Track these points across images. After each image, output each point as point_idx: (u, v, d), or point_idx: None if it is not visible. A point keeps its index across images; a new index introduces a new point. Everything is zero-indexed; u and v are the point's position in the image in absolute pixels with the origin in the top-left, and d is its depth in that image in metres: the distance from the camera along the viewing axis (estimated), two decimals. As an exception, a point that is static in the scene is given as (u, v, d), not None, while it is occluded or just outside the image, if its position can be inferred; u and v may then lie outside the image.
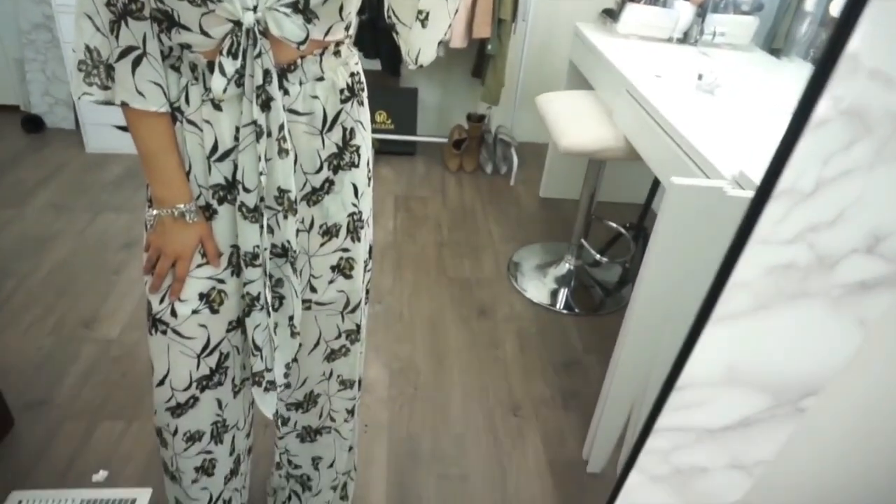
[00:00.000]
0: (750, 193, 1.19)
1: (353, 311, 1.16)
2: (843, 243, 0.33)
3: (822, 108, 0.26)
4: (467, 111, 3.32)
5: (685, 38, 2.41)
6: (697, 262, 1.31)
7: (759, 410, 0.42)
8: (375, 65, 3.09)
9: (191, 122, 0.92)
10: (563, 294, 2.38)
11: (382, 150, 3.26)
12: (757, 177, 1.28)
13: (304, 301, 1.11)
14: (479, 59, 3.16)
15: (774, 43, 2.43)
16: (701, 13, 2.38)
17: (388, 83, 3.25)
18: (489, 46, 2.93)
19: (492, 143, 3.29)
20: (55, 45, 3.06)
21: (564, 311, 2.29)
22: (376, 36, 2.93)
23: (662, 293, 1.39)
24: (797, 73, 2.20)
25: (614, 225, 2.57)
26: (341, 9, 0.90)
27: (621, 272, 2.54)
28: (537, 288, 2.38)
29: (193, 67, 0.90)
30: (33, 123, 3.25)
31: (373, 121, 3.19)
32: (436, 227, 2.74)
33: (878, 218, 0.32)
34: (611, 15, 2.55)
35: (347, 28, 0.95)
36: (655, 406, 0.40)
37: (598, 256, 2.42)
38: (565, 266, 2.47)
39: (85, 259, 2.31)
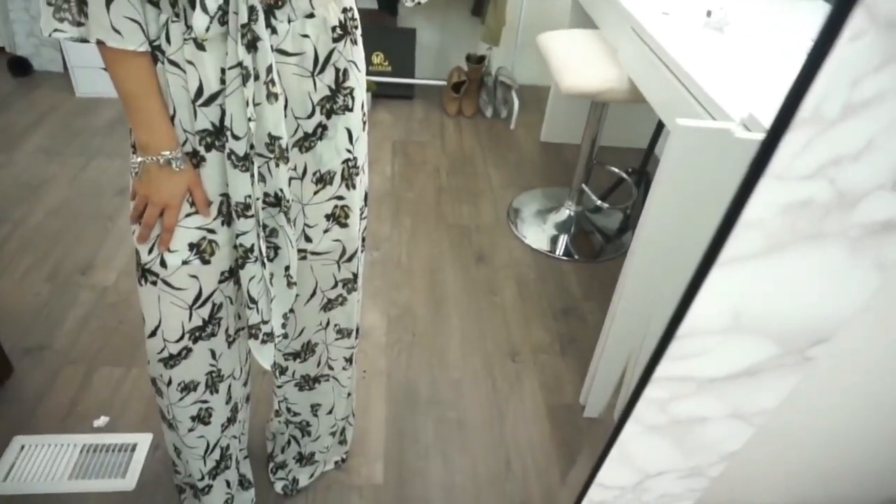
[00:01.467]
0: (759, 135, 1.15)
1: (350, 259, 1.13)
2: (867, 178, 0.30)
3: (857, 18, 0.22)
4: (467, 52, 3.22)
5: (695, -27, 2.30)
6: (701, 208, 1.28)
7: (765, 359, 0.39)
8: (371, 3, 2.97)
9: (173, 63, 0.87)
10: (562, 240, 2.35)
11: (379, 93, 3.17)
12: (767, 120, 1.23)
13: (299, 251, 1.08)
14: (479, -3, 3.05)
15: (788, -22, 2.32)
16: (712, -54, 2.26)
17: (385, 23, 3.14)
18: (490, -17, 2.82)
19: (492, 86, 3.20)
20: (38, -18, 2.94)
21: (564, 258, 2.27)
22: (372, -28, 2.81)
23: (663, 239, 1.36)
24: (813, 11, 2.11)
25: (616, 170, 2.52)
26: (331, -65, 0.84)
27: (622, 218, 2.50)
28: (537, 234, 2.36)
29: (174, 2, 0.84)
30: (20, 66, 3.15)
31: (369, 63, 3.10)
32: (434, 173, 2.69)
33: (908, 150, 0.29)
34: (617, -52, 2.43)
35: (338, -41, 0.89)
36: (654, 355, 0.38)
37: (598, 202, 2.38)
38: (565, 212, 2.43)
39: (79, 205, 2.28)
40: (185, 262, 0.97)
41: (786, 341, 0.39)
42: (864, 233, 0.32)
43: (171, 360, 1.05)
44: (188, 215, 0.96)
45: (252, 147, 0.91)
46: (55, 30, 0.84)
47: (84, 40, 0.86)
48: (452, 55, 3.34)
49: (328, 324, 1.21)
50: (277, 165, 0.95)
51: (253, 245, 0.99)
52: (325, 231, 1.08)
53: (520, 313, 2.01)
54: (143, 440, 1.51)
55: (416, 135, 2.98)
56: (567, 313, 2.03)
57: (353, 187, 1.06)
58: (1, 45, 3.28)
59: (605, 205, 2.45)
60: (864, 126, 0.27)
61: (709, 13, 1.81)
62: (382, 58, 3.13)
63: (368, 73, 1.04)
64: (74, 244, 2.09)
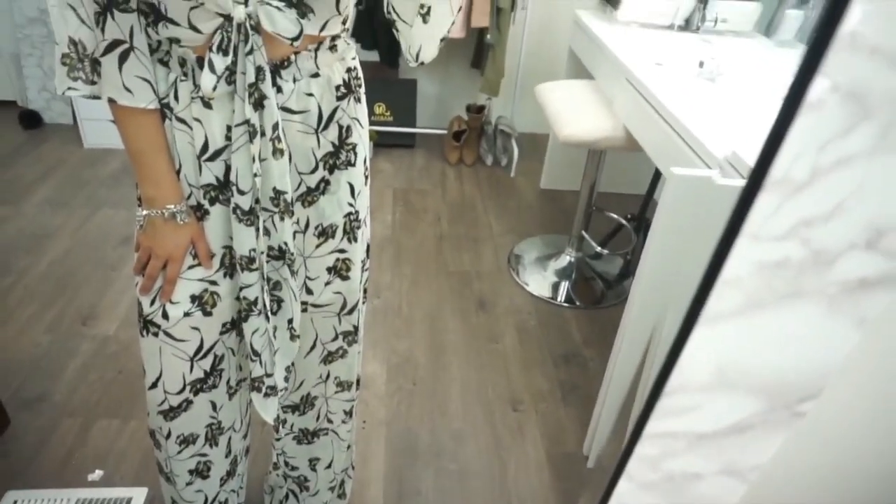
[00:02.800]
0: (740, 182, 1.17)
1: (351, 312, 1.14)
2: (840, 238, 0.31)
3: (817, 88, 0.23)
4: (467, 102, 3.29)
5: (687, 26, 2.37)
6: (698, 255, 1.29)
7: (753, 415, 0.39)
8: (374, 56, 3.06)
9: (180, 120, 0.90)
10: (564, 287, 2.35)
11: (381, 142, 3.23)
12: (751, 160, 1.25)
13: (300, 303, 1.08)
14: (478, 50, 3.13)
15: (777, 29, 2.39)
16: (702, 0, 2.34)
17: (387, 74, 3.22)
18: (488, 36, 2.90)
19: (492, 135, 3.26)
20: (51, 39, 3.03)
21: (565, 304, 2.27)
22: (374, 27, 2.90)
23: (662, 286, 1.37)
24: (797, 58, 2.16)
25: (615, 216, 2.54)
26: (338, 2, 0.87)
27: (623, 264, 2.51)
28: (538, 281, 2.36)
29: (182, 62, 0.87)
30: (31, 119, 3.23)
31: (371, 113, 3.16)
32: (435, 221, 2.72)
33: (879, 210, 0.30)
34: (611, 2, 2.51)
35: (344, 22, 0.92)
36: (643, 412, 0.38)
37: (598, 248, 2.39)
38: (566, 258, 2.44)
39: (83, 255, 2.30)
40: (186, 314, 0.98)
41: (772, 397, 0.39)
42: (841, 290, 0.32)
43: (171, 413, 1.05)
44: (191, 267, 0.97)
45: (258, 201, 0.93)
46: (69, 88, 0.87)
47: (96, 97, 0.89)
48: (453, 105, 3.42)
49: (328, 376, 1.21)
50: (282, 219, 0.96)
51: (257, 298, 1.00)
52: (327, 284, 1.09)
53: (521, 361, 1.99)
54: (139, 494, 1.49)
55: (418, 183, 3.02)
56: (568, 360, 2.01)
57: (355, 240, 1.07)
58: (12, 99, 3.37)
59: (606, 251, 2.46)
60: (833, 188, 0.28)
61: (701, 64, 1.86)
62: (384, 108, 3.19)
63: (370, 122, 1.07)
64: (77, 294, 2.10)
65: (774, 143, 0.25)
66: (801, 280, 0.32)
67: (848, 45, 0.22)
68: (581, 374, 1.96)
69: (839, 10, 0.21)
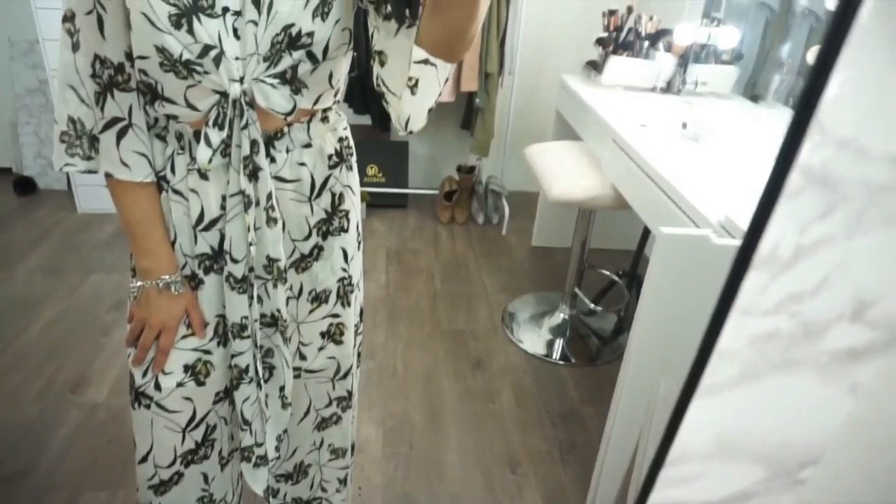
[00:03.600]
0: (735, 241, 1.19)
1: (345, 377, 1.13)
2: (827, 311, 0.32)
3: (794, 178, 0.25)
4: (457, 163, 3.36)
5: (668, 88, 2.46)
6: (691, 311, 1.30)
7: (755, 483, 0.40)
8: (366, 119, 3.13)
9: (176, 192, 0.91)
10: (558, 344, 2.35)
11: (374, 203, 3.27)
12: (743, 223, 1.28)
13: (293, 369, 1.08)
14: (467, 112, 3.22)
15: (756, 90, 2.48)
16: (682, 63, 2.43)
17: (379, 137, 3.29)
18: (477, 99, 2.99)
19: (483, 194, 3.32)
20: (49, 108, 3.10)
21: (561, 362, 2.26)
22: (366, 92, 2.98)
23: (657, 343, 1.37)
24: (779, 117, 2.24)
25: (607, 273, 2.57)
26: (331, 76, 0.91)
27: (616, 320, 2.52)
28: (532, 339, 2.36)
29: (179, 137, 0.89)
30: (25, 186, 3.26)
31: (364, 174, 3.22)
32: (428, 280, 2.73)
33: (861, 284, 0.31)
34: (595, 67, 2.61)
35: (336, 95, 0.96)
36: (645, 484, 0.38)
37: (592, 305, 2.40)
38: (560, 316, 2.45)
39: (74, 320, 2.28)
40: (179, 385, 0.97)
41: (772, 465, 0.39)
42: (832, 359, 0.34)
43: (161, 487, 1.02)
44: (184, 337, 0.97)
45: (251, 269, 0.94)
46: (66, 164, 0.89)
47: (92, 172, 0.91)
48: (444, 165, 3.49)
49: (322, 444, 1.19)
50: (275, 286, 0.97)
51: (248, 366, 0.99)
52: (320, 349, 1.09)
53: (518, 421, 1.97)
54: (127, 571, 1.43)
55: (410, 243, 3.05)
56: (566, 419, 1.99)
57: (348, 305, 1.08)
58: (8, 166, 3.41)
59: (599, 308, 2.47)
60: (816, 266, 0.30)
61: (684, 125, 1.92)
62: (376, 169, 3.25)
63: (363, 184, 1.09)
64: (66, 360, 2.08)
65: (757, 227, 0.27)
66: (793, 351, 0.33)
67: (819, 140, 0.24)
68: (580, 433, 1.94)
69: (809, 111, 0.23)
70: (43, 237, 2.85)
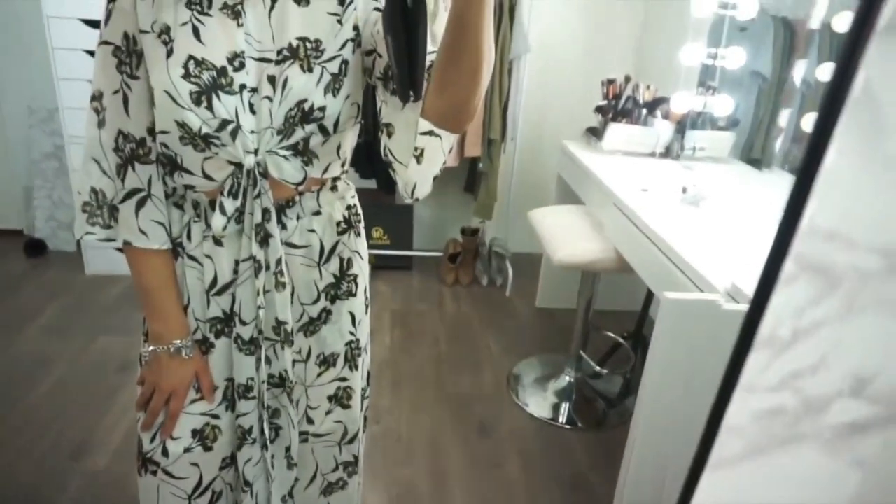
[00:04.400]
0: (744, 307, 1.20)
1: (351, 441, 1.13)
2: (828, 388, 0.33)
3: (788, 266, 0.27)
4: (461, 225, 3.41)
5: (667, 153, 2.52)
6: (698, 376, 1.30)
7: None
8: (371, 183, 3.20)
9: (191, 258, 0.94)
10: (564, 408, 2.33)
11: (379, 265, 3.30)
12: (748, 288, 1.30)
13: (301, 433, 1.08)
14: (471, 176, 3.29)
15: (752, 154, 2.54)
16: (680, 129, 2.51)
17: (384, 200, 3.35)
18: (480, 164, 3.06)
19: (487, 256, 3.35)
20: (63, 172, 3.19)
21: (567, 426, 2.23)
22: (372, 158, 3.06)
23: (666, 408, 1.36)
24: (777, 181, 2.29)
25: (612, 335, 2.56)
26: (339, 147, 0.95)
27: (623, 383, 2.50)
28: (538, 402, 2.33)
29: (196, 205, 0.93)
30: (36, 248, 3.31)
31: (369, 237, 3.26)
32: (433, 342, 2.73)
33: (859, 363, 0.33)
34: (595, 133, 2.69)
35: (343, 164, 1.00)
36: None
37: (597, 368, 2.39)
38: (565, 378, 2.43)
39: (79, 383, 2.28)
40: (187, 450, 0.97)
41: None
42: (836, 434, 0.35)
43: (165, 557, 1.01)
44: (193, 401, 0.98)
45: (260, 332, 0.96)
46: (87, 232, 0.92)
47: (111, 240, 0.94)
48: (448, 228, 3.53)
49: (328, 510, 1.18)
50: (283, 348, 0.99)
51: (252, 427, 1.00)
52: (328, 412, 1.09)
53: (526, 488, 1.93)
54: None
55: (415, 305, 3.06)
56: (575, 486, 1.95)
57: (356, 368, 1.09)
58: (19, 228, 3.47)
59: (605, 370, 2.46)
60: (814, 346, 0.31)
61: (684, 189, 1.97)
62: (381, 232, 3.30)
63: (368, 246, 1.11)
64: (71, 424, 2.06)
65: (757, 312, 0.29)
66: (797, 426, 0.35)
67: (808, 232, 0.26)
68: (588, 500, 1.90)
69: (800, 205, 0.25)
70: (52, 298, 2.87)
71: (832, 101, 0.25)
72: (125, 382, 2.30)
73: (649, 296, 2.56)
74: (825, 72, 1.98)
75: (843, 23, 1.84)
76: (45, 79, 2.85)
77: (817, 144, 0.24)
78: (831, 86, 0.26)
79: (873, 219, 0.28)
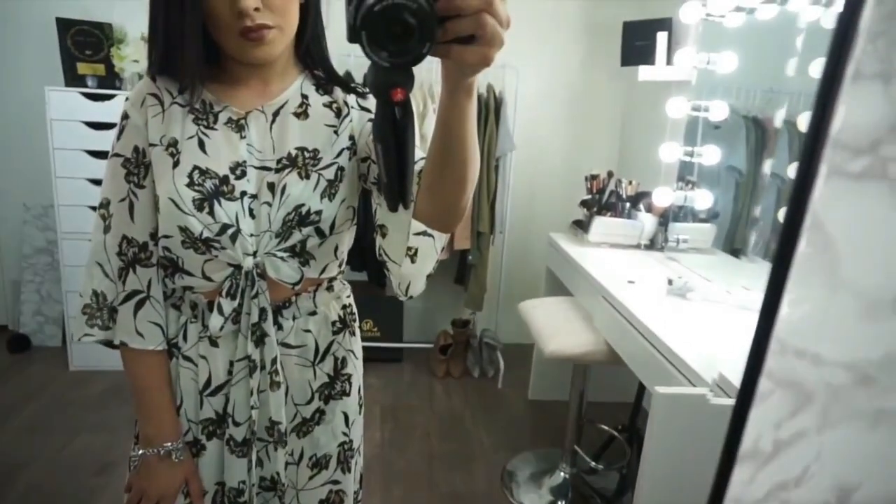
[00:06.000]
0: (730, 401, 1.21)
1: (343, 547, 1.09)
2: (813, 498, 0.35)
3: (763, 384, 0.29)
4: (452, 317, 3.41)
5: (652, 245, 2.59)
6: (693, 468, 1.28)
7: None
8: (362, 276, 3.23)
9: (186, 358, 0.95)
10: (560, 506, 2.25)
11: (369, 357, 3.26)
12: (735, 379, 1.31)
13: (292, 540, 1.05)
14: (460, 268, 3.33)
15: (735, 244, 2.61)
16: (663, 222, 2.59)
17: (374, 292, 3.37)
18: (470, 256, 3.11)
19: (477, 347, 3.34)
20: (54, 267, 3.19)
21: (564, 527, 2.16)
22: (363, 251, 3.11)
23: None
24: (758, 270, 2.34)
25: (607, 428, 2.52)
26: (336, 248, 0.98)
27: (619, 479, 2.43)
28: (534, 500, 2.26)
29: (194, 306, 0.95)
30: (19, 343, 3.26)
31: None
32: (425, 438, 2.67)
33: (841, 473, 0.34)
34: (581, 226, 2.76)
35: (340, 265, 1.03)
36: None
37: (593, 464, 2.34)
38: (560, 475, 2.37)
39: (59, 484, 2.19)
40: (173, 559, 0.94)
41: None
42: (827, 545, 0.35)
43: None
44: (182, 506, 0.95)
45: (253, 433, 0.95)
46: (85, 334, 0.93)
47: (109, 342, 0.94)
48: (438, 319, 3.54)
49: None
50: (276, 449, 0.97)
51: (244, 533, 0.97)
52: (320, 517, 1.06)
53: None
54: None
55: (406, 398, 3.01)
56: (573, 593, 1.86)
57: (349, 471, 1.07)
58: (4, 323, 3.44)
59: (600, 466, 2.40)
60: (796, 458, 0.33)
61: (670, 281, 2.01)
62: (371, 324, 3.29)
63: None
64: (44, 533, 1.96)
65: (737, 428, 0.31)
66: (787, 538, 0.35)
67: (779, 349, 0.28)
68: None
69: (769, 326, 0.27)
70: (33, 396, 2.80)
71: (789, 231, 0.28)
72: (107, 483, 2.21)
73: (641, 387, 2.55)
74: (793, 170, 2.08)
75: (804, 123, 1.96)
76: (43, 177, 2.92)
77: (779, 271, 0.27)
78: (788, 217, 0.29)
79: (837, 336, 0.30)
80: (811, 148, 0.27)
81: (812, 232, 0.28)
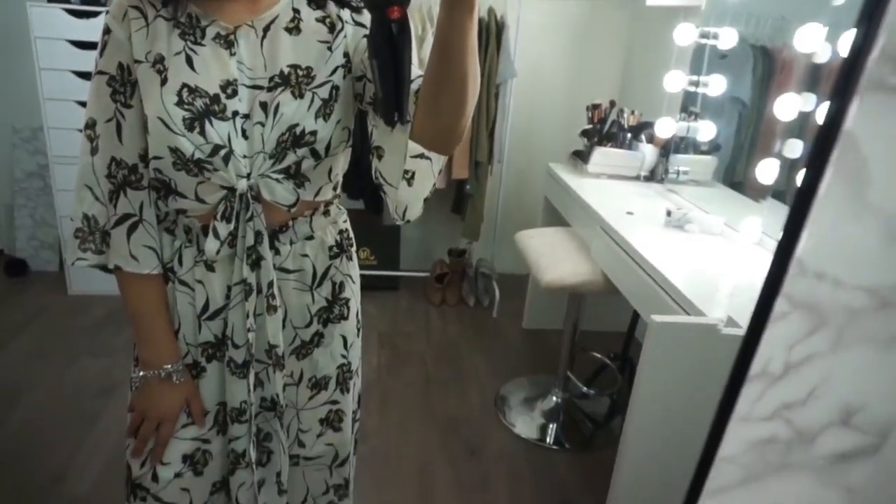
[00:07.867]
0: (740, 331, 1.22)
1: (342, 464, 1.13)
2: (817, 418, 0.35)
3: (779, 305, 0.29)
4: (448, 246, 3.42)
5: (652, 176, 2.56)
6: (686, 398, 1.31)
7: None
8: (358, 204, 3.21)
9: (183, 283, 0.95)
10: (552, 429, 2.33)
11: (365, 285, 3.29)
12: (738, 316, 1.31)
13: (291, 456, 1.08)
14: (458, 197, 3.31)
15: (735, 178, 2.59)
16: (664, 153, 2.55)
17: (371, 221, 3.36)
18: (468, 186, 3.09)
19: (473, 277, 3.36)
20: (47, 191, 3.16)
21: (555, 447, 2.24)
22: (360, 178, 3.07)
23: (653, 432, 1.38)
24: (759, 209, 2.33)
25: (599, 356, 2.58)
26: (330, 170, 0.96)
27: (610, 404, 2.51)
28: (525, 423, 2.34)
29: (188, 230, 0.93)
30: (17, 267, 3.26)
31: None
32: (421, 363, 2.72)
33: (847, 394, 0.34)
34: (580, 156, 2.72)
35: (335, 188, 1.01)
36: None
37: (584, 389, 2.40)
38: (553, 399, 2.44)
39: (58, 408, 2.24)
40: (177, 475, 0.97)
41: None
42: (826, 463, 0.36)
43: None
44: (184, 426, 0.98)
45: (252, 355, 0.96)
46: (79, 258, 0.92)
47: (103, 266, 0.94)
48: (435, 248, 3.54)
49: (318, 535, 1.17)
50: (274, 372, 0.99)
51: (245, 451, 1.00)
52: (319, 435, 1.09)
53: (513, 511, 1.92)
54: None
55: (402, 325, 3.05)
56: (562, 509, 1.95)
57: (347, 391, 1.09)
58: (0, 247, 3.43)
59: (592, 391, 2.47)
60: (804, 379, 0.33)
61: (668, 213, 2.00)
62: (368, 252, 3.30)
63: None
64: (50, 450, 2.02)
65: (750, 348, 0.30)
66: (790, 455, 0.36)
67: (799, 271, 0.28)
68: (576, 523, 1.89)
69: (790, 250, 0.26)
70: (31, 320, 2.83)
71: (820, 153, 0.27)
72: (107, 405, 2.26)
73: (635, 317, 2.58)
74: (807, 102, 2.03)
75: (821, 54, 1.90)
76: (31, 98, 2.84)
77: (806, 194, 0.26)
78: (818, 139, 0.27)
79: (859, 260, 0.30)
80: (853, 60, 0.25)
81: (843, 152, 0.26)
